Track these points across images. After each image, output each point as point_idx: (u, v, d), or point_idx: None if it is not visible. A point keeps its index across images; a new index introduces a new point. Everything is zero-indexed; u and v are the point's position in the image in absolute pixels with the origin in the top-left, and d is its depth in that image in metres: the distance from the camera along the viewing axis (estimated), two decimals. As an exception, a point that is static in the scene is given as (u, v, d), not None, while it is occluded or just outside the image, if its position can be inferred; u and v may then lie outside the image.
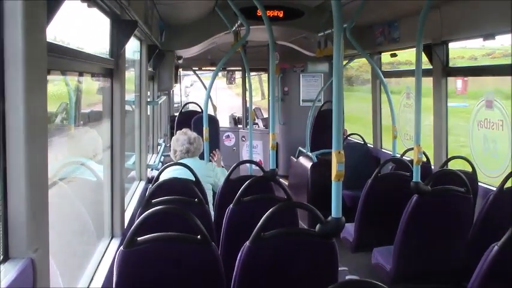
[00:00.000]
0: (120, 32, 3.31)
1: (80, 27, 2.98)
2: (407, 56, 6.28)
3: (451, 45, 4.95)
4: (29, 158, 1.48)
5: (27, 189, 1.48)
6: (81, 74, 3.00)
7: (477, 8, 4.19)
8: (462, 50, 5.88)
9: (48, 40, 1.69)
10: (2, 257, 1.46)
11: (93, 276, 2.78)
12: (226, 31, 6.15)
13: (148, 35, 4.72)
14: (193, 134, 4.68)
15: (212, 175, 4.58)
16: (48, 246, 1.64)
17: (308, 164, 6.65)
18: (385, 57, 6.49)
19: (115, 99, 3.39)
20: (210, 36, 6.52)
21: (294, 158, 7.77)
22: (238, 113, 10.67)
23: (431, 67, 5.02)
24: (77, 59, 2.42)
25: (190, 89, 20.03)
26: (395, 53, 6.04)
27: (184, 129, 4.80)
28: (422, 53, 4.06)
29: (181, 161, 4.42)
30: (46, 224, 1.64)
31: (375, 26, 6.11)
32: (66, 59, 2.21)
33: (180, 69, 9.73)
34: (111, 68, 3.28)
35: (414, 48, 3.93)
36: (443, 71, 4.92)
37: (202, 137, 5.12)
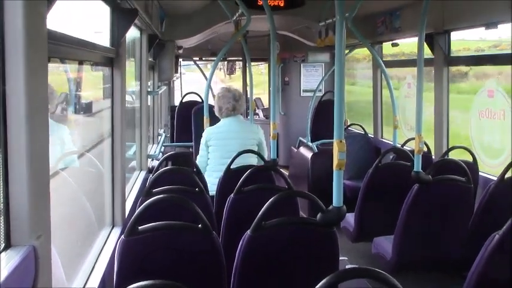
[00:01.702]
0: (120, 20, 3.29)
1: (80, 16, 2.96)
2: (412, 48, 6.24)
3: (455, 36, 4.92)
4: (30, 145, 1.48)
5: (28, 176, 1.48)
6: (81, 63, 2.99)
7: (479, -3, 4.17)
8: (467, 42, 5.83)
9: (48, 27, 1.69)
10: (4, 245, 1.46)
11: (94, 265, 2.79)
12: (227, 20, 6.12)
13: (148, 24, 4.70)
14: (237, 91, 4.58)
15: (256, 137, 4.53)
16: (50, 233, 1.64)
17: (308, 154, 6.65)
18: (389, 49, 6.47)
19: (115, 89, 3.38)
20: (211, 25, 6.49)
21: (294, 148, 7.76)
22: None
23: (432, 56, 5.00)
24: (78, 47, 2.41)
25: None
26: (396, 43, 6.01)
27: (227, 86, 4.74)
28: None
29: (227, 119, 4.40)
30: (48, 211, 1.64)
31: (376, 16, 6.09)
32: (67, 47, 2.20)
33: (180, 60, 9.70)
34: (111, 57, 3.27)
35: (416, 39, 3.92)
36: (445, 60, 4.91)
37: (203, 126, 5.12)
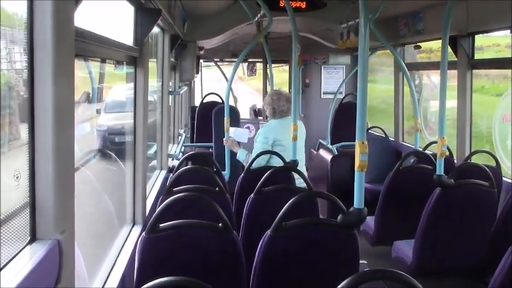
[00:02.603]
0: (144, 20, 3.32)
1: (106, 15, 3.00)
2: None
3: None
4: (56, 141, 1.50)
5: (54, 171, 1.50)
6: (103, 61, 3.03)
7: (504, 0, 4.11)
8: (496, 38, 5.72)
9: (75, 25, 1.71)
10: (29, 238, 1.48)
11: (115, 262, 2.82)
12: (248, 22, 6.13)
13: (171, 24, 4.74)
14: (287, 93, 4.80)
15: (305, 134, 4.81)
16: (74, 228, 1.66)
17: (328, 157, 6.62)
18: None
19: (138, 88, 3.42)
20: (232, 26, 6.51)
21: (314, 151, 7.74)
22: (259, 105, 10.66)
23: (456, 59, 4.94)
24: (103, 45, 2.44)
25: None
26: (419, 45, 5.95)
27: (276, 89, 4.98)
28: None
29: (282, 120, 4.60)
30: (72, 206, 1.66)
31: (399, 18, 6.04)
32: (93, 45, 2.23)
33: (202, 60, 9.75)
34: (135, 56, 3.30)
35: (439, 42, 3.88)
36: (469, 63, 4.84)
37: (223, 127, 5.13)
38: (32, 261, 1.37)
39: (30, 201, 1.49)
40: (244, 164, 4.60)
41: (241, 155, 4.81)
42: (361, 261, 2.69)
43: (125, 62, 3.40)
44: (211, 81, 13.33)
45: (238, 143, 5.04)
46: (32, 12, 1.47)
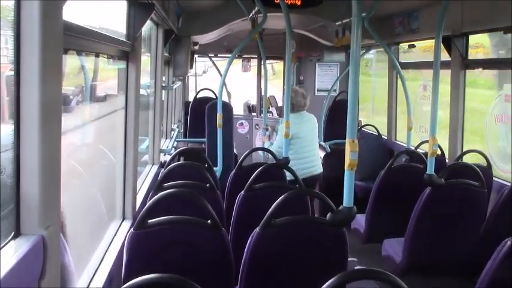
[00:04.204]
0: (137, 14, 3.30)
1: (97, 9, 2.98)
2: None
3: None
4: (42, 135, 1.49)
5: (40, 166, 1.49)
6: (97, 56, 3.00)
7: (499, 0, 4.11)
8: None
9: (64, 19, 1.69)
10: (13, 233, 1.47)
11: (103, 257, 2.81)
12: (243, 18, 6.11)
13: (165, 19, 4.71)
14: (303, 90, 5.42)
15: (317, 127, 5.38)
16: (59, 223, 1.65)
17: (321, 154, 6.61)
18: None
19: (130, 82, 3.40)
20: (227, 22, 6.48)
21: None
22: (253, 101, 10.64)
23: (449, 59, 4.95)
24: (94, 39, 2.42)
25: (202, 78, 17.57)
26: (413, 44, 5.96)
27: (293, 87, 5.43)
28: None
29: (298, 114, 5.12)
30: (58, 202, 1.65)
31: (394, 16, 6.03)
32: (83, 39, 2.21)
33: (196, 56, 9.71)
34: (127, 51, 3.28)
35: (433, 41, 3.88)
36: (462, 63, 4.85)
37: (216, 123, 5.13)
38: (15, 256, 1.35)
39: (14, 195, 1.47)
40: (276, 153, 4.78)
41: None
42: (351, 259, 2.70)
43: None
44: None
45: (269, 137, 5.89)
46: (19, 4, 1.45)
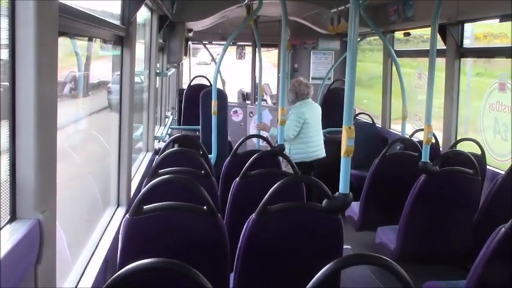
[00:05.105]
0: None
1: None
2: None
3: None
4: (38, 119, 1.47)
5: (36, 150, 1.47)
6: (90, 39, 2.97)
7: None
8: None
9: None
10: (9, 217, 1.46)
11: (98, 243, 2.80)
12: (238, 4, 6.07)
13: (159, 5, 4.67)
14: (305, 79, 5.75)
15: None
16: (55, 208, 1.64)
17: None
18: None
19: (124, 68, 3.37)
20: (222, 8, 6.43)
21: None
22: (247, 89, 10.61)
23: (445, 47, 4.94)
24: (89, 22, 2.38)
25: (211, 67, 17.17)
26: (408, 32, 5.95)
27: (296, 78, 5.77)
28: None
29: (304, 102, 5.45)
30: (54, 186, 1.64)
31: (390, 4, 6.01)
32: (78, 22, 2.18)
33: (190, 43, 9.65)
34: (121, 36, 3.25)
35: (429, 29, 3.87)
36: (457, 51, 4.85)
37: (210, 110, 5.11)
38: (11, 240, 1.34)
39: (10, 179, 1.46)
40: (277, 139, 4.88)
41: (274, 131, 5.46)
42: (345, 246, 2.70)
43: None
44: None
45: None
46: None
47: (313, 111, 5.56)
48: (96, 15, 2.52)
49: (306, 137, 5.46)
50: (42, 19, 1.47)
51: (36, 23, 1.44)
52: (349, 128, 2.53)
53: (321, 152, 5.61)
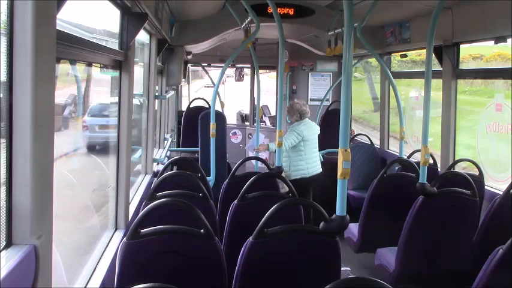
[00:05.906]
0: (130, 24, 3.30)
1: (90, 19, 2.98)
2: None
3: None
4: (35, 146, 1.48)
5: (32, 176, 1.48)
6: (89, 65, 3.00)
7: (489, 10, 4.16)
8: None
9: (58, 28, 1.69)
10: (5, 243, 1.46)
11: (95, 267, 2.79)
12: (236, 27, 6.14)
13: (158, 28, 4.72)
14: (303, 100, 6.18)
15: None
16: (51, 234, 1.64)
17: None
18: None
19: (123, 92, 3.39)
20: (220, 32, 6.50)
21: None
22: (246, 110, 10.65)
23: (441, 69, 4.98)
24: (87, 49, 2.42)
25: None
26: (405, 54, 6.00)
27: (294, 100, 6.04)
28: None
29: (304, 121, 5.76)
30: (50, 211, 1.64)
31: (386, 26, 6.08)
32: (76, 49, 2.21)
33: (189, 65, 9.72)
34: (120, 60, 3.28)
35: (424, 50, 3.91)
36: (454, 72, 4.89)
37: (209, 132, 5.12)
38: (6, 267, 1.34)
39: (6, 205, 1.46)
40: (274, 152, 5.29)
41: (273, 146, 5.66)
42: (344, 268, 2.69)
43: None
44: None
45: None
46: (12, 13, 1.45)
47: (311, 129, 5.82)
48: (94, 42, 2.55)
49: (305, 154, 5.74)
50: (40, 46, 1.49)
51: (34, 51, 1.46)
52: (345, 150, 2.54)
53: (318, 168, 5.89)
